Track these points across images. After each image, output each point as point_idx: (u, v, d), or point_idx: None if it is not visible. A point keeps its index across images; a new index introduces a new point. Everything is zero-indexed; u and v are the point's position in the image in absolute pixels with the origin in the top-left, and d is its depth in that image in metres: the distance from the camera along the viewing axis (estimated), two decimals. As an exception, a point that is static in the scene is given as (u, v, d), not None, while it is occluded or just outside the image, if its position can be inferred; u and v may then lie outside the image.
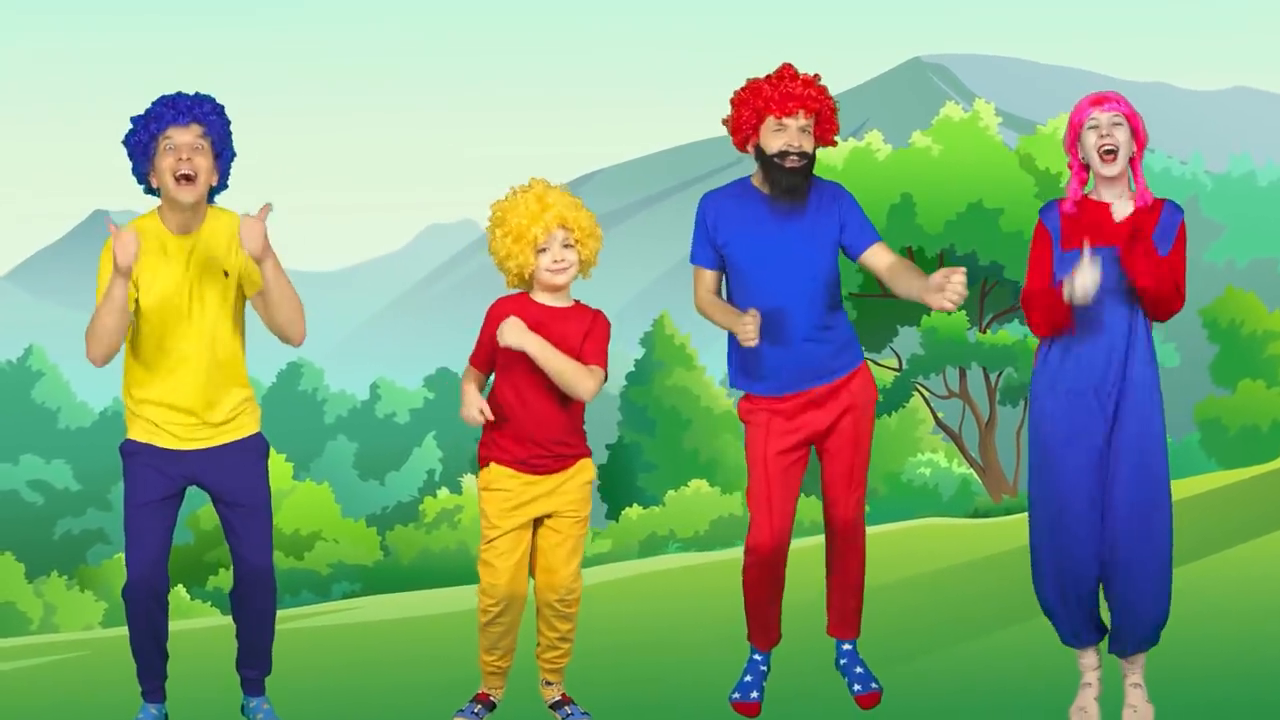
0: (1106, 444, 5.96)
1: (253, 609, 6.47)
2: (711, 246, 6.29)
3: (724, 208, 6.28)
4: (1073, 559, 5.96)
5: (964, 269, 5.84)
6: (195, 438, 6.28)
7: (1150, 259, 5.79)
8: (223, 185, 6.32)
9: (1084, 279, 5.70)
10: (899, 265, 6.20)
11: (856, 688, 6.53)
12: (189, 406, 6.23)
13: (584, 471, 6.41)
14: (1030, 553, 6.06)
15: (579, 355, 6.16)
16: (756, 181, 6.27)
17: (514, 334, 6.08)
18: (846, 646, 6.59)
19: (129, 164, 6.21)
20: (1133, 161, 6.01)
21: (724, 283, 6.36)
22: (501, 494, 6.30)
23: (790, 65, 6.17)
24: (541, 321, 6.17)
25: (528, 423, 6.22)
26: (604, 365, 6.22)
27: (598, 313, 6.28)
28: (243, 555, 6.37)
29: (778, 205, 6.18)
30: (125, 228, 5.99)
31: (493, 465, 6.33)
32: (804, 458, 6.35)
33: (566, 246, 6.12)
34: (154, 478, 6.24)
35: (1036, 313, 5.97)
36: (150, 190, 6.21)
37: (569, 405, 6.23)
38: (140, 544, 6.23)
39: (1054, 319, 5.91)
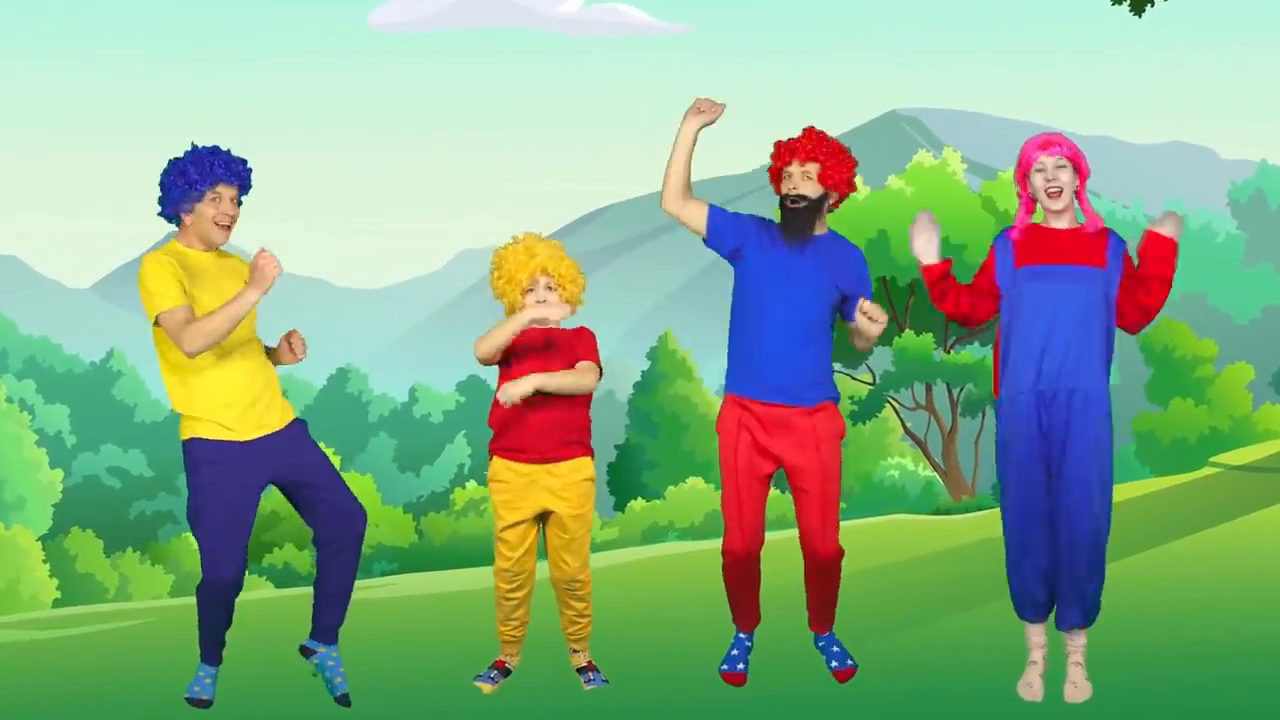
0: (1048, 441, 5.87)
1: (349, 561, 6.32)
2: (737, 225, 6.17)
3: (760, 225, 6.19)
4: (1025, 538, 5.90)
5: (873, 303, 6.01)
6: (260, 423, 6.20)
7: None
8: None
9: (919, 241, 5.99)
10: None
11: (834, 664, 6.51)
12: (243, 392, 6.15)
13: (582, 470, 6.41)
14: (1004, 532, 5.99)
15: (574, 358, 6.31)
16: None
17: (514, 389, 6.17)
18: (822, 638, 6.57)
19: (159, 193, 6.14)
20: (1078, 194, 5.96)
21: (731, 291, 6.30)
22: (503, 485, 6.38)
23: (810, 126, 6.15)
24: (536, 339, 6.33)
25: (531, 415, 6.29)
26: (597, 360, 6.37)
27: (582, 327, 6.48)
28: (344, 517, 6.23)
29: (788, 241, 6.12)
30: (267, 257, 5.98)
31: (495, 459, 6.40)
32: (770, 474, 6.23)
33: (549, 289, 6.33)
34: (235, 479, 6.09)
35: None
36: (172, 219, 6.20)
37: (569, 404, 6.32)
38: (226, 545, 6.07)
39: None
